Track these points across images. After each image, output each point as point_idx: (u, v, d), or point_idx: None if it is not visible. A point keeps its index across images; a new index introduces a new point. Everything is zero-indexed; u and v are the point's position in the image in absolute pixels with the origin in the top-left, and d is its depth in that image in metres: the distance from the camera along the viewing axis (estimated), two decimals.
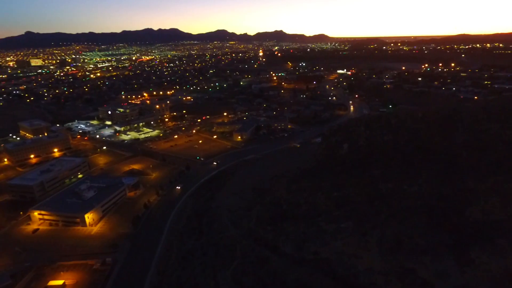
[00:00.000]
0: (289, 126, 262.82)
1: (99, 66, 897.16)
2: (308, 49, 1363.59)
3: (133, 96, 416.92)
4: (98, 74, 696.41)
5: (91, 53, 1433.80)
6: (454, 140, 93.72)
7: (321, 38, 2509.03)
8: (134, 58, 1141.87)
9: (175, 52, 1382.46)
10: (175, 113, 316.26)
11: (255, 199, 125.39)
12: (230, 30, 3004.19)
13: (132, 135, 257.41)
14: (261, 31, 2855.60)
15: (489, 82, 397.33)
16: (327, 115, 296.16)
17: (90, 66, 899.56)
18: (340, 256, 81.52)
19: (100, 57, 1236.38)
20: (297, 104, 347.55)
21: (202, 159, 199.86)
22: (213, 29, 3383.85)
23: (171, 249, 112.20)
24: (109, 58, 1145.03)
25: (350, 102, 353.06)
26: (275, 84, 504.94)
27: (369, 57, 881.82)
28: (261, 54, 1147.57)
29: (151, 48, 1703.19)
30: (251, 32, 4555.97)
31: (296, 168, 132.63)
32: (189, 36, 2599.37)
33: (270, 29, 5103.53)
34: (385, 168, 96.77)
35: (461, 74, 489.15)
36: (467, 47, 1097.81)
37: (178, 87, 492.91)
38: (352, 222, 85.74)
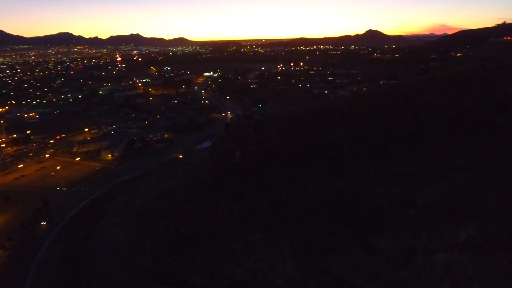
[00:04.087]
0: (165, 135, 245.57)
1: None
2: (170, 53, 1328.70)
3: None
4: None
5: None
6: (334, 135, 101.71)
7: (181, 41, 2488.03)
8: None
9: (2, 59, 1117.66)
10: (15, 135, 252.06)
11: (145, 228, 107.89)
12: (76, 33, 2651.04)
13: None
14: (114, 34, 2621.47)
15: (332, 78, 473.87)
16: (203, 119, 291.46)
17: None
18: (255, 274, 75.80)
19: None
20: (170, 110, 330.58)
21: (64, 189, 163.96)
22: (53, 32, 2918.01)
23: None
24: None
25: (224, 104, 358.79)
26: (141, 91, 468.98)
27: (231, 59, 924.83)
28: (119, 59, 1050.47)
29: None
30: (103, 35, 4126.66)
31: (188, 183, 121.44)
32: (20, 39, 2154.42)
33: (125, 32, 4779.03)
34: (281, 171, 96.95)
35: (310, 72, 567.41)
36: (307, 48, 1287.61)
37: (14, 102, 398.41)
38: (260, 234, 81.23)
